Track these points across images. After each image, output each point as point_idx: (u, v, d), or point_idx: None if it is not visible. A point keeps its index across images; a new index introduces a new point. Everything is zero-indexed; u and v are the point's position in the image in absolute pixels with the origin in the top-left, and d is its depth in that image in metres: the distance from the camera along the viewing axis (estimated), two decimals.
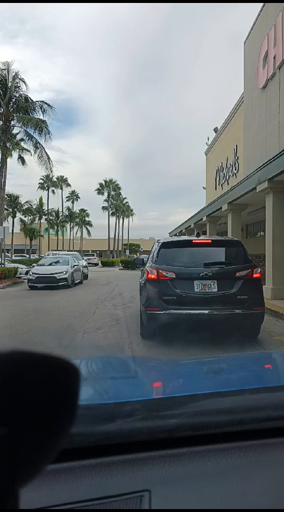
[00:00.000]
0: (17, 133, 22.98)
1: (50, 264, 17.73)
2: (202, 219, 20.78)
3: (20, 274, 20.56)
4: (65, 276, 16.31)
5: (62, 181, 64.52)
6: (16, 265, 22.42)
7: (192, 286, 5.71)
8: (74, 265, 17.78)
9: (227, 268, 5.96)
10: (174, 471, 0.77)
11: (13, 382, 0.38)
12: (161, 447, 0.81)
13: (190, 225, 25.25)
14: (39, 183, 60.18)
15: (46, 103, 20.83)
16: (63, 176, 64.89)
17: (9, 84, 19.54)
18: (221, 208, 16.05)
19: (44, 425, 0.41)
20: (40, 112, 20.64)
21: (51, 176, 51.79)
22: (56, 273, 16.27)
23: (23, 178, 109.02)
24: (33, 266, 19.26)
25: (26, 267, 22.46)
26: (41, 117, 20.67)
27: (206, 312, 5.59)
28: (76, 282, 17.71)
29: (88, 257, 49.70)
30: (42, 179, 59.43)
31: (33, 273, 16.59)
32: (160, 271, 5.80)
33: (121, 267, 38.34)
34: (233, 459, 0.80)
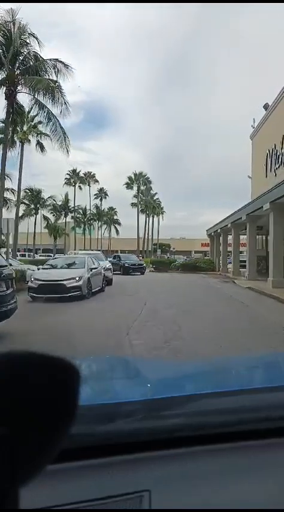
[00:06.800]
0: (29, 111, 19.10)
1: (61, 267, 13.50)
2: (241, 218, 19.08)
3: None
4: (78, 284, 11.91)
5: (90, 177, 60.99)
6: (25, 266, 18.25)
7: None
8: (92, 269, 13.40)
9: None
10: (174, 471, 0.76)
11: (13, 382, 0.39)
12: (161, 447, 0.79)
13: (227, 225, 24.67)
14: (66, 179, 56.93)
15: (61, 61, 16.45)
16: (90, 172, 61.37)
17: (15, 38, 15.41)
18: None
19: (44, 426, 0.41)
20: (53, 74, 16.42)
21: (76, 170, 48.21)
22: (66, 280, 11.82)
23: (49, 178, 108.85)
24: (39, 269, 14.39)
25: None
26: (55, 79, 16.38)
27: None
28: (96, 289, 13.40)
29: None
30: (69, 174, 56.15)
31: (35, 279, 12.20)
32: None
33: (152, 269, 33.95)
34: (233, 459, 0.79)
